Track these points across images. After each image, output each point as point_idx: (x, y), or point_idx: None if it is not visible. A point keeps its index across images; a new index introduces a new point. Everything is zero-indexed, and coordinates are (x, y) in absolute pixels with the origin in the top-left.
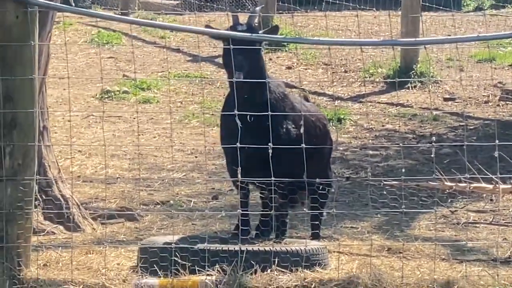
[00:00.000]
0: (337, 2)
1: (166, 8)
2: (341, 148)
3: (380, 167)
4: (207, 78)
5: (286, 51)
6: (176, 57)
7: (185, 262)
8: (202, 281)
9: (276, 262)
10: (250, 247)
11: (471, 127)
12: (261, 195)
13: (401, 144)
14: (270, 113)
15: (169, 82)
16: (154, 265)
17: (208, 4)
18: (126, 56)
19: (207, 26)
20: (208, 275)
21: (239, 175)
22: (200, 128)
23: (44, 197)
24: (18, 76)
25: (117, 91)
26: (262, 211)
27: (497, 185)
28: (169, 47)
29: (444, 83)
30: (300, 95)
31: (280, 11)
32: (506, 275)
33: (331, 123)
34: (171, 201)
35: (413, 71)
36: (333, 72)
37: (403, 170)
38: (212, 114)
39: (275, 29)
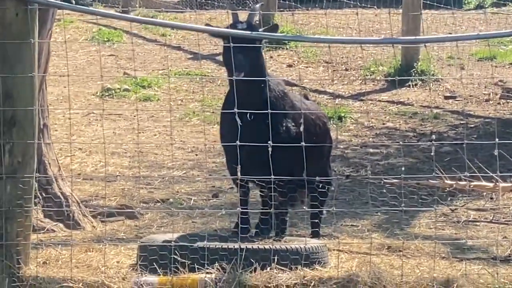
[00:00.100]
0: (338, 0)
1: (167, 6)
2: (341, 146)
3: (380, 165)
4: (208, 76)
5: (286, 49)
6: (177, 55)
7: (184, 260)
8: (202, 279)
9: (276, 260)
10: (249, 245)
11: (472, 125)
12: (261, 193)
13: (401, 142)
14: (270, 111)
15: (169, 80)
16: (154, 263)
17: (209, 1)
18: (126, 54)
19: (207, 25)
20: (207, 273)
21: (239, 173)
22: (200, 126)
23: (44, 194)
24: (18, 74)
25: (118, 89)
26: (262, 209)
27: (497, 184)
28: (170, 45)
29: (444, 81)
30: (300, 93)
31: (280, 9)
32: (506, 274)
33: (331, 121)
34: (171, 199)
35: (413, 69)
36: (333, 70)
37: (403, 168)
38: (213, 112)
39: (275, 27)
